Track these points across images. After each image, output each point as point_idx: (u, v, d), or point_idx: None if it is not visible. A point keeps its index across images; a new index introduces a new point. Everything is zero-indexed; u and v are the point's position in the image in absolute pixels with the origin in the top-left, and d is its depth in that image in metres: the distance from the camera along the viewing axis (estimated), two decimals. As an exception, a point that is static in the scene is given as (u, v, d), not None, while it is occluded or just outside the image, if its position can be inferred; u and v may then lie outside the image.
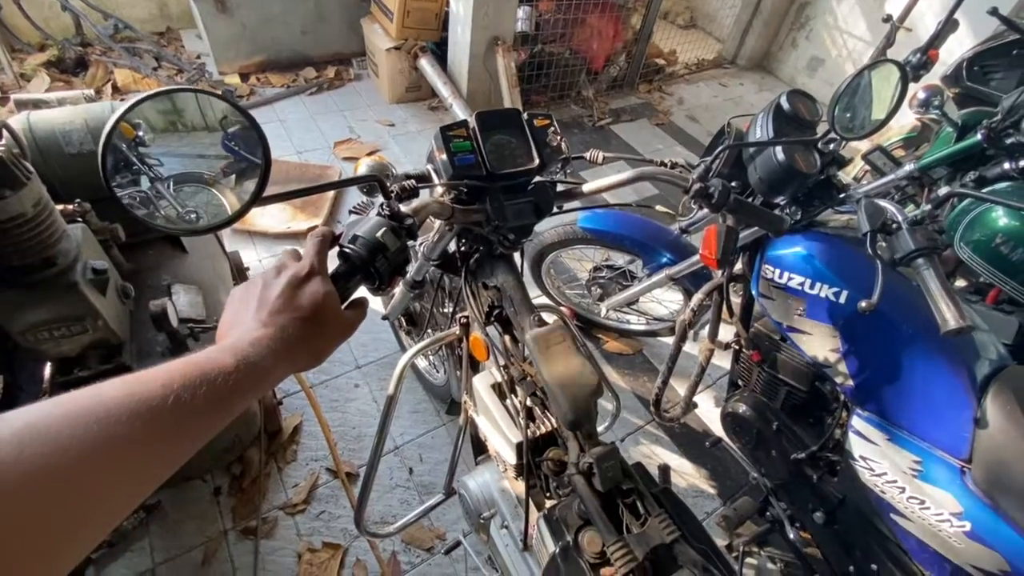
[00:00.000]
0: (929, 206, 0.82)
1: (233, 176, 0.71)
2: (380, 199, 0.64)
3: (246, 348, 0.42)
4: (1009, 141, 1.31)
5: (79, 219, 1.12)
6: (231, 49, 3.08)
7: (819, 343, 1.04)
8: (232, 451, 1.37)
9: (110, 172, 0.49)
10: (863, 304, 0.80)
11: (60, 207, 1.05)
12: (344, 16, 3.29)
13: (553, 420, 0.88)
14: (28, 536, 0.27)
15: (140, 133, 0.63)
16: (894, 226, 0.83)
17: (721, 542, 1.44)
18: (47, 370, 1.06)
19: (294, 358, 0.46)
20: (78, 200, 1.13)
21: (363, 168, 0.81)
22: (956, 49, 2.05)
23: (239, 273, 1.74)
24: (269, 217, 2.29)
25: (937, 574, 0.98)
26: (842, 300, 0.97)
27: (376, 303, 1.82)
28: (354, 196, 2.50)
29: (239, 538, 1.40)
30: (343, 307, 0.53)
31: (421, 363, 1.75)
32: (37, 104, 1.23)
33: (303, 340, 0.47)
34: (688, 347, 1.49)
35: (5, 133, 1.03)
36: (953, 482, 0.89)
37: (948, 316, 0.75)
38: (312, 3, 3.16)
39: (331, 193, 2.45)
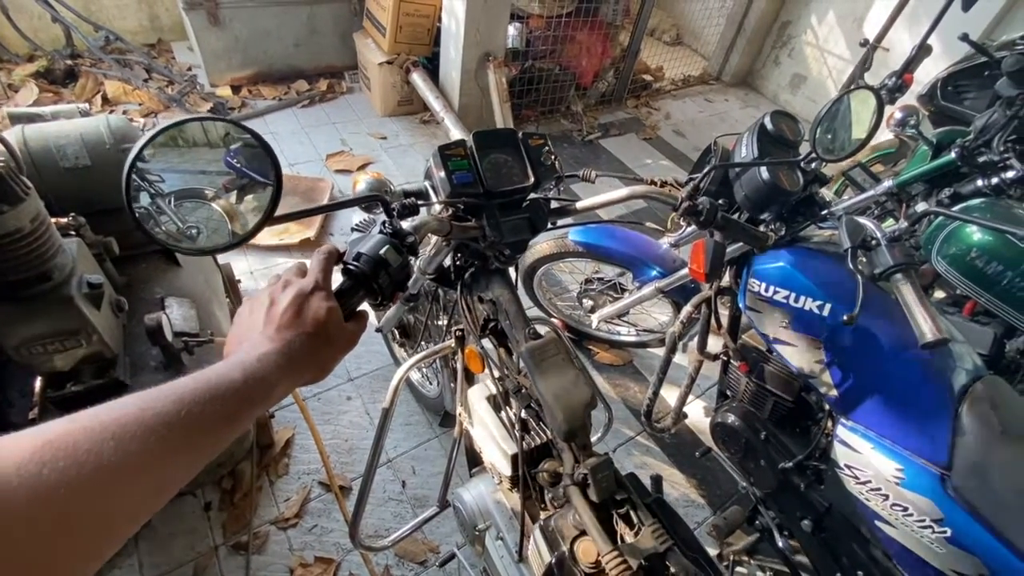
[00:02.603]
0: (906, 223, 0.86)
1: (235, 192, 0.72)
2: (381, 216, 0.66)
3: (253, 363, 0.44)
4: (982, 159, 1.37)
5: (73, 233, 1.13)
6: (223, 61, 3.09)
7: (804, 354, 1.07)
8: (224, 465, 1.36)
9: (133, 198, 0.50)
10: (845, 316, 0.83)
11: (54, 220, 1.05)
12: (336, 30, 3.33)
13: (548, 432, 0.90)
14: (50, 547, 0.29)
15: None
16: (873, 242, 0.86)
17: (712, 551, 1.46)
18: (37, 385, 1.06)
19: (300, 372, 0.48)
20: (72, 214, 1.13)
21: (362, 186, 0.83)
22: (931, 69, 2.13)
23: (231, 285, 1.74)
24: (261, 229, 2.29)
25: (920, 579, 1.00)
26: (825, 313, 1.00)
27: (370, 316, 1.83)
28: (346, 213, 2.51)
29: (230, 553, 1.39)
30: (346, 320, 0.55)
31: (414, 375, 1.76)
32: (31, 118, 1.24)
33: (308, 354, 0.48)
34: (677, 358, 1.52)
35: (1, 147, 1.03)
36: (933, 489, 0.92)
37: (925, 329, 0.78)
38: (305, 17, 3.19)
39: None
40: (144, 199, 0.72)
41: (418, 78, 3.05)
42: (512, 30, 3.02)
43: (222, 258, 1.77)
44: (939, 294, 1.70)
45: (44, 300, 0.94)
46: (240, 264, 2.12)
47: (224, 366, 0.43)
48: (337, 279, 0.58)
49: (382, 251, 0.58)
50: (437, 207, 0.80)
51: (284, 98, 3.17)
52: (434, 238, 0.96)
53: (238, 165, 0.70)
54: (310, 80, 3.35)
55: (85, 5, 3.00)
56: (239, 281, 1.85)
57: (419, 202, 0.69)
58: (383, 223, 0.62)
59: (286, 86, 3.27)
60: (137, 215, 0.51)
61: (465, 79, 2.97)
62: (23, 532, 0.27)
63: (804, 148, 1.09)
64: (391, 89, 3.11)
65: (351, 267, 0.57)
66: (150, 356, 1.18)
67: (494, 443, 0.96)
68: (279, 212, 0.60)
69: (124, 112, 2.76)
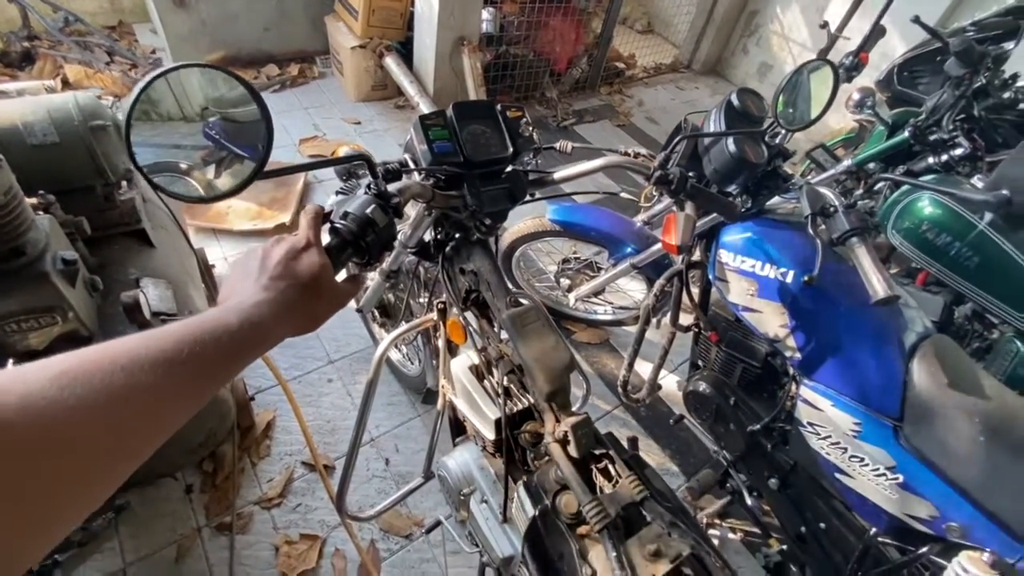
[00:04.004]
0: (860, 191, 0.92)
1: (213, 165, 0.72)
2: (364, 181, 0.67)
3: (248, 309, 0.46)
4: (933, 137, 1.46)
5: (42, 211, 1.10)
6: (189, 44, 3.00)
7: (770, 320, 1.13)
8: (206, 446, 1.36)
9: (133, 144, 0.51)
10: (805, 277, 0.88)
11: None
12: (307, 14, 3.27)
13: (529, 397, 0.93)
14: (68, 466, 0.30)
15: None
16: (831, 209, 0.92)
17: (686, 516, 1.53)
18: (9, 366, 1.04)
19: (292, 320, 0.50)
20: (42, 192, 1.11)
21: (344, 153, 0.84)
22: (890, 54, 2.23)
23: (206, 270, 1.72)
24: (235, 215, 2.25)
25: (876, 525, 1.08)
26: (788, 279, 1.06)
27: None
28: (321, 196, 2.49)
29: (214, 534, 1.39)
30: (340, 280, 0.57)
31: (395, 355, 1.77)
32: (-6, 94, 1.20)
33: (300, 304, 0.50)
34: (650, 334, 1.58)
35: (-35, 122, 1.01)
36: (887, 439, 0.99)
37: (878, 287, 0.84)
38: (275, 0, 3.13)
39: (298, 190, 2.44)
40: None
41: (392, 63, 3.02)
42: (486, 15, 3.02)
43: (196, 243, 1.74)
44: (894, 269, 1.80)
45: (18, 276, 0.93)
46: (214, 250, 2.09)
47: (220, 311, 0.44)
48: (325, 239, 0.59)
49: (368, 210, 0.60)
50: (418, 175, 0.81)
51: (254, 83, 3.10)
52: (414, 212, 0.98)
53: (217, 136, 0.71)
54: (281, 65, 3.28)
55: (40, -16, 2.88)
56: (214, 266, 1.83)
57: (402, 168, 0.71)
58: (367, 185, 0.64)
59: (256, 71, 3.20)
60: (140, 164, 0.52)
61: (439, 64, 2.96)
62: (47, 449, 0.29)
63: (768, 123, 1.14)
64: (364, 74, 3.08)
65: (338, 226, 0.59)
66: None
67: (477, 410, 0.99)
68: (277, 168, 0.61)
69: (85, 96, 2.67)
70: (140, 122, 0.71)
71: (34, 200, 1.09)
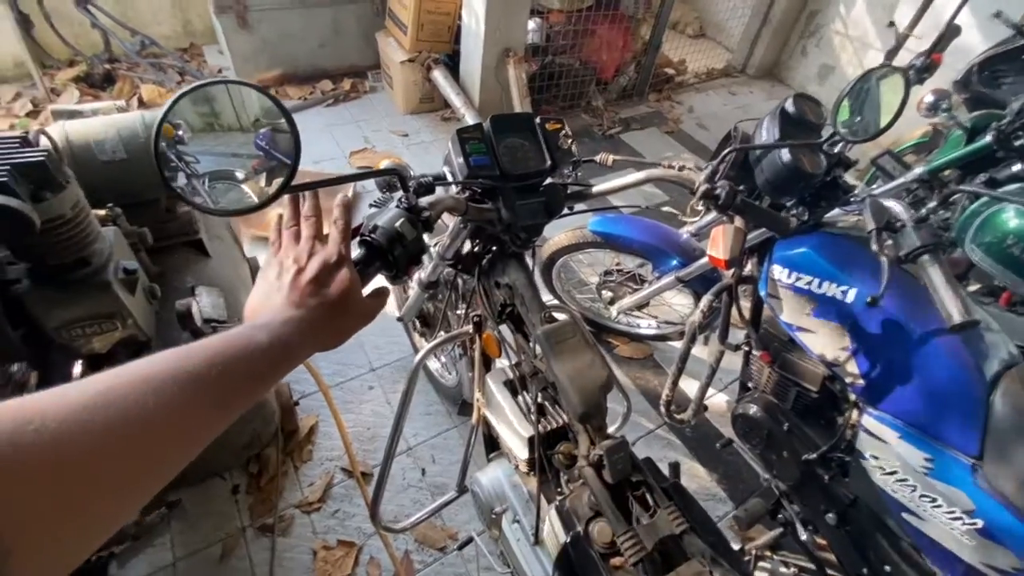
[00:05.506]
0: (934, 203, 0.83)
1: (264, 174, 0.75)
2: (398, 195, 0.67)
3: (279, 327, 0.46)
4: (1019, 143, 1.32)
5: (110, 223, 1.18)
6: (251, 63, 3.18)
7: (828, 342, 1.04)
8: (251, 447, 1.41)
9: (163, 161, 0.53)
10: (869, 298, 0.81)
11: (93, 212, 1.10)
12: (360, 30, 3.39)
13: (564, 415, 0.90)
14: (102, 484, 0.31)
15: (180, 132, 0.68)
16: (899, 224, 0.84)
17: (733, 546, 1.44)
18: (77, 368, 1.11)
19: (320, 338, 0.50)
20: (110, 205, 1.19)
21: (383, 166, 0.85)
22: (967, 55, 2.05)
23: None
24: (287, 224, 2.35)
25: (949, 573, 0.97)
26: (850, 299, 0.98)
27: (392, 306, 1.86)
28: (367, 207, 2.56)
29: (256, 535, 1.43)
30: (366, 295, 0.56)
31: (433, 365, 1.78)
32: (72, 114, 1.30)
33: (329, 322, 0.50)
34: (697, 351, 1.50)
35: (43, 139, 1.09)
36: (964, 479, 0.89)
37: (953, 310, 0.76)
38: (329, 18, 3.26)
39: (347, 201, 2.51)
40: (181, 179, 0.75)
41: (439, 75, 3.08)
42: (532, 25, 3.03)
43: (249, 251, 1.83)
44: (973, 287, 1.64)
45: (83, 284, 0.99)
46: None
47: (250, 329, 0.44)
48: (354, 251, 0.59)
49: (398, 224, 0.59)
50: (453, 188, 0.81)
51: (309, 98, 3.25)
52: (452, 223, 0.98)
53: (266, 147, 0.73)
54: (334, 80, 3.42)
55: (123, 12, 3.13)
56: (265, 273, 1.90)
57: (435, 181, 0.71)
58: (399, 199, 0.63)
59: (311, 86, 3.34)
60: (166, 175, 0.53)
61: (485, 75, 2.99)
62: (82, 468, 0.30)
63: (827, 132, 1.07)
64: (412, 87, 3.15)
65: (368, 239, 0.59)
66: (181, 341, 1.22)
67: (511, 427, 0.96)
68: (304, 183, 0.62)
69: (158, 113, 2.87)
70: (203, 133, 0.74)
71: (102, 212, 1.17)
